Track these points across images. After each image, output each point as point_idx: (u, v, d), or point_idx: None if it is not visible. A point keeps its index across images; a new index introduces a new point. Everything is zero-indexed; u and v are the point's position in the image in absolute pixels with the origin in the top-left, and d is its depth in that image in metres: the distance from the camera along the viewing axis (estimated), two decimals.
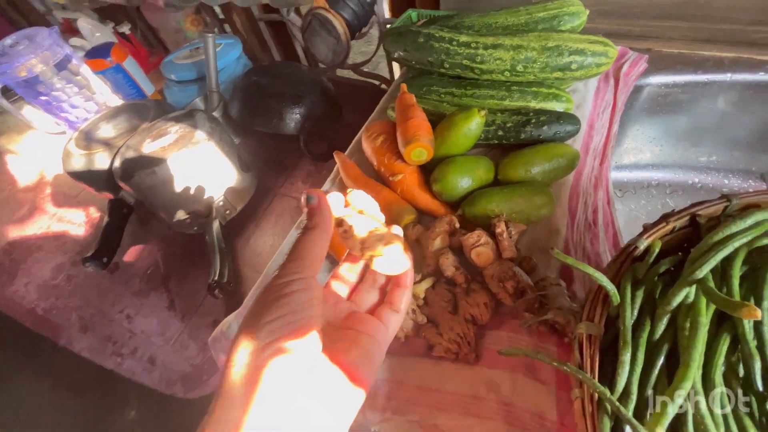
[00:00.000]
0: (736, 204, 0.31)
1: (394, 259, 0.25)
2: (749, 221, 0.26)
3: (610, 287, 0.26)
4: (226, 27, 1.10)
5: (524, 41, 0.48)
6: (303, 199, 0.25)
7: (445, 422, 0.34)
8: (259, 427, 0.18)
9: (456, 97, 0.53)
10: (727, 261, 0.27)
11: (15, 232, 0.90)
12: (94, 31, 1.08)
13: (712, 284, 0.25)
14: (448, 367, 0.36)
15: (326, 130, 0.84)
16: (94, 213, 0.89)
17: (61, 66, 0.90)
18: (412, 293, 0.34)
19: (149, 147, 0.68)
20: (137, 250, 0.81)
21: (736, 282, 0.26)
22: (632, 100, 0.64)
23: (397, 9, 0.95)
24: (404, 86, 0.53)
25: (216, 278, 0.63)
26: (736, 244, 0.26)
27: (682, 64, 0.61)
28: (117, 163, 0.69)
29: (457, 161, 0.45)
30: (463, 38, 0.50)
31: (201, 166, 0.70)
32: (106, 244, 0.75)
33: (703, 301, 0.25)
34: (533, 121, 0.48)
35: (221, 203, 0.74)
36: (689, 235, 0.33)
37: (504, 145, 0.51)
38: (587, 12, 0.53)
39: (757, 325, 0.25)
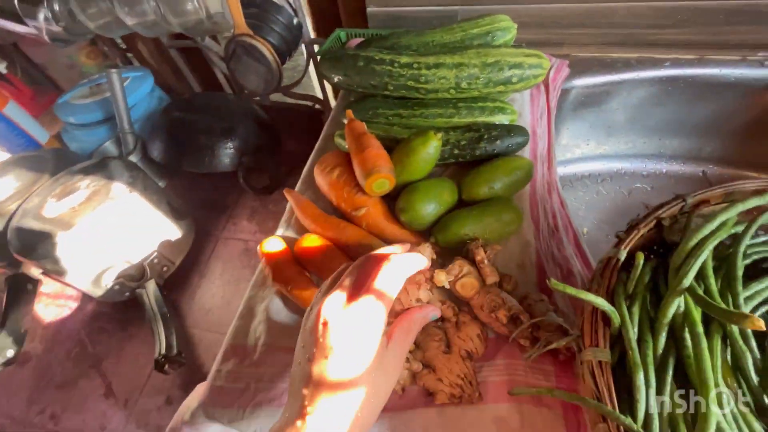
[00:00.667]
0: (690, 202, 0.34)
1: None
2: (716, 222, 0.28)
3: (612, 311, 0.26)
4: (131, 56, 0.98)
5: (465, 59, 0.48)
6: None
7: None
8: None
9: (404, 118, 0.52)
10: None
11: None
12: None
13: (700, 291, 0.25)
14: (452, 412, 0.34)
15: (266, 161, 0.78)
16: None
17: None
18: (436, 281, 0.36)
19: (54, 209, 0.57)
20: (52, 332, 0.67)
21: (713, 281, 0.28)
22: (561, 102, 0.69)
23: (321, 28, 0.92)
24: (350, 112, 0.50)
25: (164, 351, 0.54)
26: (710, 246, 0.27)
27: (598, 66, 0.67)
28: (11, 235, 0.56)
29: (421, 188, 0.43)
30: (404, 59, 0.49)
31: (124, 224, 0.60)
32: (7, 331, 0.61)
33: (696, 309, 0.26)
34: (485, 136, 0.48)
35: (155, 260, 0.64)
36: (652, 236, 0.35)
37: (460, 162, 0.51)
38: (516, 26, 0.55)
39: None
